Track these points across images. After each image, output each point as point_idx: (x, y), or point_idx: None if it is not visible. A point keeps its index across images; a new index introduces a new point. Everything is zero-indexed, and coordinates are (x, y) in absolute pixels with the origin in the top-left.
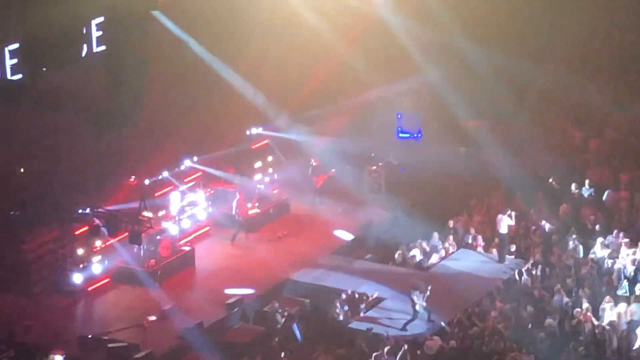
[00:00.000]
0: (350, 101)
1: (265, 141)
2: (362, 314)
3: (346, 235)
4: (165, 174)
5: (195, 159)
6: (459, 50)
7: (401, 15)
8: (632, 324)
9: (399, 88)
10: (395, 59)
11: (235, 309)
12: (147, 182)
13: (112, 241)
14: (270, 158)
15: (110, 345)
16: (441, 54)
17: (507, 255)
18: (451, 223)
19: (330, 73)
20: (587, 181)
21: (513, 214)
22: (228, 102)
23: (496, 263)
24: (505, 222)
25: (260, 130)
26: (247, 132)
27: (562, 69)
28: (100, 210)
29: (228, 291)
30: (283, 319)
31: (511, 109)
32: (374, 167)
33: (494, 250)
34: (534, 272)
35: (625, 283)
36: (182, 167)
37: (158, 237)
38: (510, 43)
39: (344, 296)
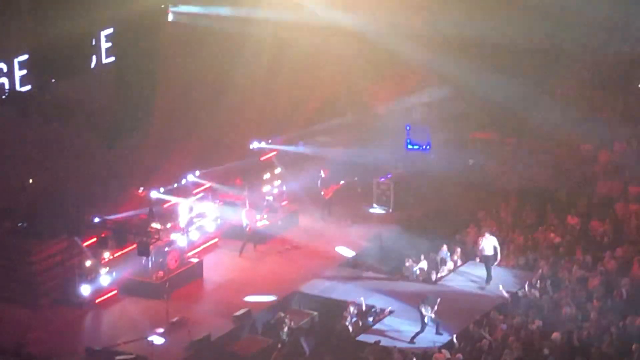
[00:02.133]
0: (359, 113)
1: (274, 153)
2: (370, 327)
3: (347, 252)
4: (174, 185)
5: (197, 173)
6: (470, 61)
7: (409, 28)
8: None
9: (408, 100)
10: (405, 70)
11: (244, 322)
12: (155, 193)
13: (120, 253)
14: (278, 170)
15: (118, 357)
16: (450, 66)
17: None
18: (459, 236)
19: (339, 85)
20: None
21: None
22: (238, 114)
23: (504, 276)
24: (491, 243)
25: (263, 144)
26: (250, 146)
27: (571, 81)
28: (108, 221)
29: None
30: (287, 328)
31: (520, 122)
32: (382, 179)
33: (503, 263)
34: (542, 285)
35: None
36: (190, 179)
37: (166, 249)
38: (518, 55)
39: (353, 308)
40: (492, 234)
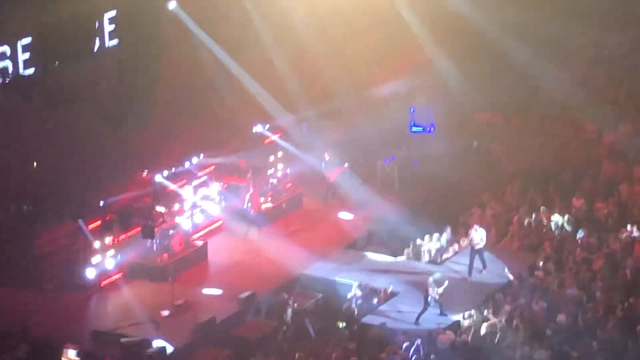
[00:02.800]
0: (363, 95)
1: (278, 135)
2: (375, 309)
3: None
4: (178, 168)
5: (201, 156)
6: (474, 44)
7: (415, 7)
8: None
9: (412, 81)
10: (408, 52)
11: (249, 304)
12: (159, 176)
13: (125, 236)
14: (282, 153)
15: (123, 340)
16: (456, 47)
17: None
18: (463, 217)
19: (342, 67)
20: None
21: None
22: (241, 97)
23: (509, 258)
24: (480, 235)
25: (266, 128)
26: (254, 130)
27: (575, 63)
28: (113, 205)
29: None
30: (290, 310)
31: (525, 103)
32: (387, 161)
33: (507, 245)
34: (546, 267)
35: None
36: (194, 162)
37: (171, 232)
38: (525, 37)
39: (358, 290)
40: (481, 226)
